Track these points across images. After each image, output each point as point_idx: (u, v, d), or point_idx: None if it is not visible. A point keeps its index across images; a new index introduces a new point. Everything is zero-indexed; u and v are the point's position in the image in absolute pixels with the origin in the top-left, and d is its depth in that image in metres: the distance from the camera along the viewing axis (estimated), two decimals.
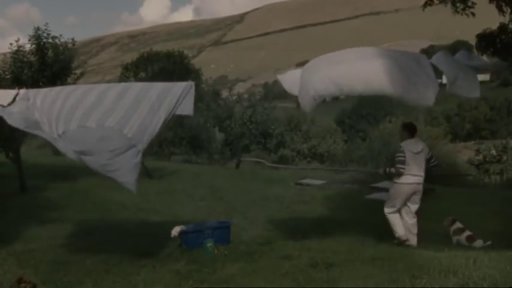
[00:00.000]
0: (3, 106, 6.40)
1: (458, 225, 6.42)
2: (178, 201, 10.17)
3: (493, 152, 18.17)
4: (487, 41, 6.16)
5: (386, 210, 6.60)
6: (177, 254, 6.47)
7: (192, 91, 5.97)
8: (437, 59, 5.93)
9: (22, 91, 6.58)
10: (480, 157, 18.24)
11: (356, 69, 5.53)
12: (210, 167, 17.97)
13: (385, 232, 6.96)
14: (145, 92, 5.91)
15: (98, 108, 5.77)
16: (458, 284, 4.54)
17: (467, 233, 6.29)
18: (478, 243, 6.11)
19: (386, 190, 10.66)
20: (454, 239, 6.35)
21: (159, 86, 6.07)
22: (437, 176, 13.38)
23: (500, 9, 5.95)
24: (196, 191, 11.55)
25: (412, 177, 6.40)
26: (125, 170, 5.59)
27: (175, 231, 6.76)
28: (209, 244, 6.44)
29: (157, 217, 8.74)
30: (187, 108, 5.93)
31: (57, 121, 5.84)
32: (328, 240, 6.71)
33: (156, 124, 5.71)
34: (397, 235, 6.52)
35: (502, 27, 6.09)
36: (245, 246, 6.71)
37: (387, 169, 6.60)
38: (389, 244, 6.37)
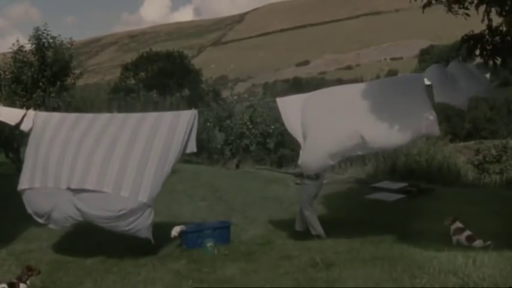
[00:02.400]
0: (11, 125, 6.69)
1: (458, 224, 6.42)
2: (178, 201, 10.15)
3: (493, 151, 18.13)
4: (474, 42, 6.13)
5: (308, 211, 7.18)
6: (177, 254, 6.47)
7: (196, 120, 6.40)
8: (431, 72, 6.32)
9: (30, 112, 6.69)
10: (480, 157, 18.20)
11: (352, 132, 6.06)
12: (210, 167, 17.94)
13: (385, 232, 6.97)
14: (153, 135, 6.20)
15: (110, 164, 6.05)
16: (458, 284, 4.55)
17: (467, 233, 6.29)
18: (478, 243, 6.11)
19: (386, 190, 10.70)
20: (454, 238, 6.35)
21: (165, 123, 6.31)
22: (437, 175, 13.38)
23: (487, 15, 5.90)
24: (196, 191, 11.53)
25: (322, 179, 7.33)
26: (145, 229, 6.14)
27: (175, 231, 6.77)
28: (209, 244, 6.45)
29: (157, 217, 8.69)
30: (191, 144, 6.43)
31: (71, 173, 6.12)
32: (328, 240, 6.70)
33: (166, 171, 6.19)
34: (316, 233, 7.08)
35: (492, 29, 6.03)
36: (245, 246, 6.71)
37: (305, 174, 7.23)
38: (389, 244, 6.37)
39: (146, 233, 6.17)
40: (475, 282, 4.54)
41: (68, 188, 6.09)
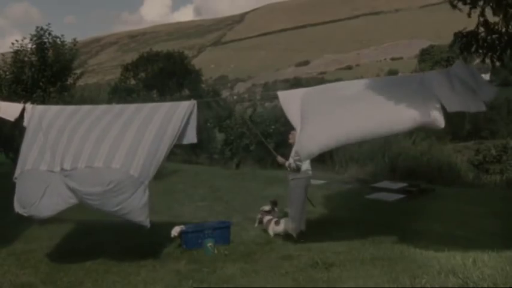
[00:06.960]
0: (11, 121, 6.64)
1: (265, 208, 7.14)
2: (178, 201, 10.16)
3: (493, 151, 18.15)
4: (469, 39, 6.09)
5: (292, 209, 7.01)
6: (177, 254, 6.47)
7: (195, 111, 6.30)
8: (431, 78, 6.12)
9: (28, 106, 6.67)
10: (480, 157, 18.22)
11: (354, 117, 5.80)
12: (210, 167, 17.96)
13: (385, 232, 6.97)
14: (149, 120, 6.12)
15: (103, 143, 5.93)
16: (458, 284, 4.55)
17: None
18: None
19: (386, 190, 10.70)
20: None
21: (162, 110, 6.27)
22: (437, 175, 13.39)
23: (482, 13, 5.87)
24: (196, 191, 11.55)
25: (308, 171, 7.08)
26: (137, 211, 5.76)
27: (175, 231, 6.77)
28: (209, 244, 6.45)
29: (157, 217, 8.73)
30: (191, 135, 6.36)
31: (64, 156, 5.99)
32: (328, 240, 6.71)
33: (161, 152, 5.97)
34: (298, 231, 6.96)
35: (488, 26, 5.99)
36: (245, 246, 6.72)
37: (288, 163, 7.05)
38: (389, 244, 6.37)
39: (138, 216, 5.75)
40: (475, 282, 4.54)
41: (62, 169, 5.92)
